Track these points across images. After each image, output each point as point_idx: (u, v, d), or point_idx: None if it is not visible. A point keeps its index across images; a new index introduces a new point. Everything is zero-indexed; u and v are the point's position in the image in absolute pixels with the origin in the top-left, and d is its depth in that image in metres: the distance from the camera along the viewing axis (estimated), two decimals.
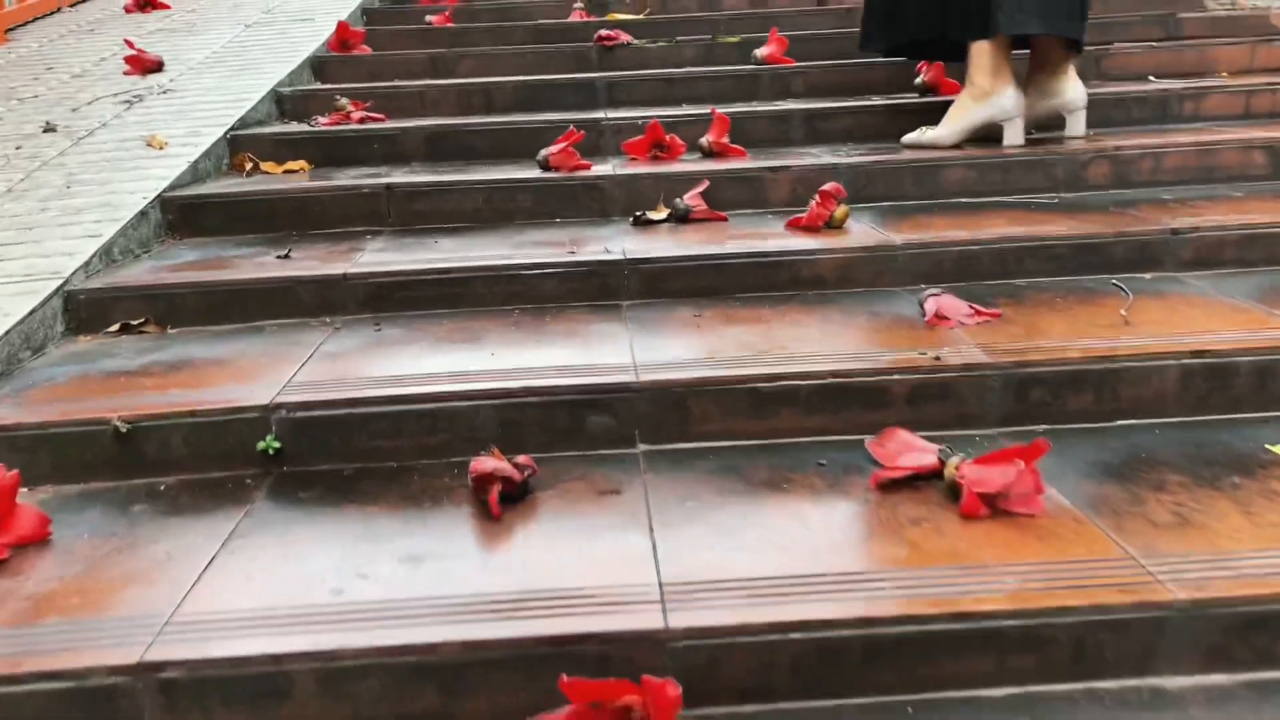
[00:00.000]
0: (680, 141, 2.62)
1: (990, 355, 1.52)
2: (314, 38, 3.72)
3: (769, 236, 2.07)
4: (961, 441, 1.44)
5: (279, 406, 1.45)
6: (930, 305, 1.70)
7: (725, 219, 2.26)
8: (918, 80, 3.00)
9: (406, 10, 4.35)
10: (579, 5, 4.20)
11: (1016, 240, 1.94)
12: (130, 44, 3.36)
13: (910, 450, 1.36)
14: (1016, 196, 2.34)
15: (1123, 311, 1.68)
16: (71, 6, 4.54)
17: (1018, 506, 1.22)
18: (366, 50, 3.73)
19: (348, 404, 1.45)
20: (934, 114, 2.67)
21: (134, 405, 1.48)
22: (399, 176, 2.45)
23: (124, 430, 1.42)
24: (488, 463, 1.30)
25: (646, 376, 1.49)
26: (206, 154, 2.56)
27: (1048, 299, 1.80)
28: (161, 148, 2.57)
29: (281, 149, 2.72)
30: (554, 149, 2.44)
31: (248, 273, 1.94)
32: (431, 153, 2.76)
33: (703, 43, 3.61)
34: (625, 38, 3.62)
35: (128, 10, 4.33)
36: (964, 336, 1.61)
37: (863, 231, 2.07)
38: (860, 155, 2.47)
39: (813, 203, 2.10)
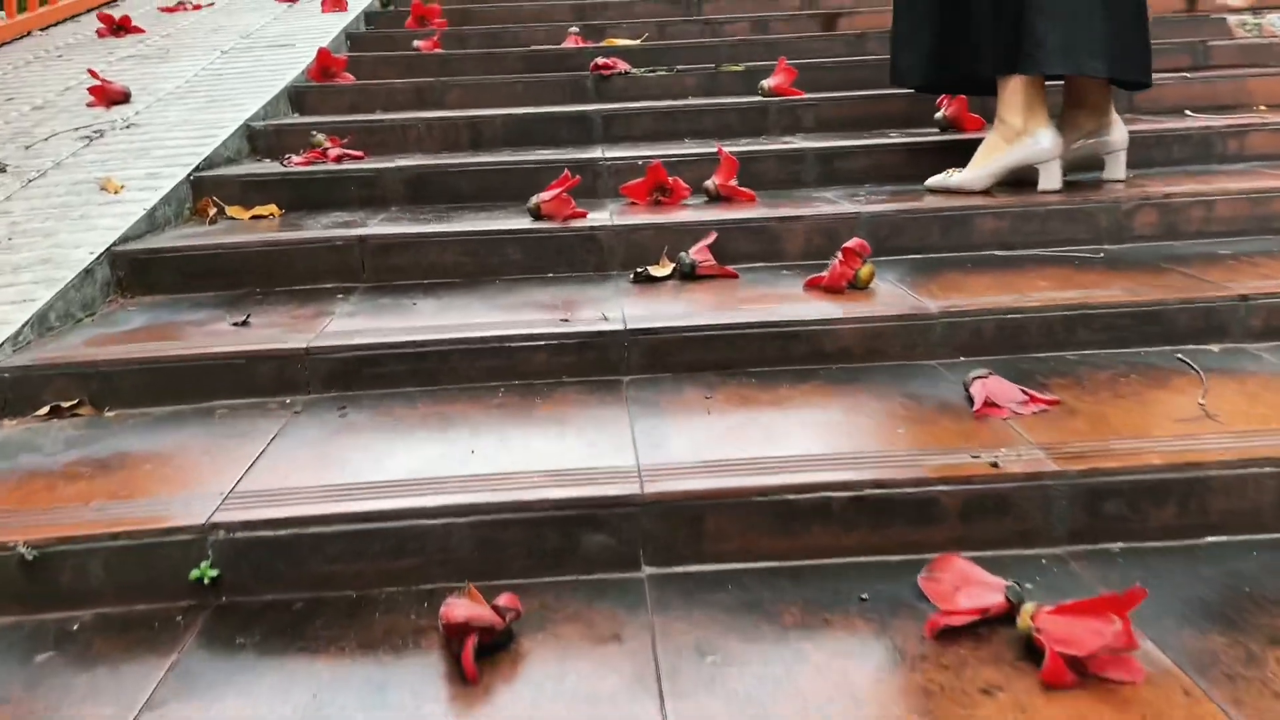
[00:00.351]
0: (684, 185, 2.40)
1: (1055, 459, 1.29)
2: (293, 65, 3.50)
3: (786, 299, 1.85)
4: (1025, 565, 1.22)
5: (217, 527, 1.22)
6: (978, 391, 1.48)
7: (735, 276, 2.04)
8: (938, 115, 2.78)
9: (394, 35, 4.14)
10: (574, 31, 3.99)
11: (1066, 308, 1.72)
12: (95, 74, 3.14)
13: (970, 585, 1.14)
14: (1056, 249, 2.12)
15: (1201, 401, 1.46)
16: (43, 30, 4.32)
17: (1112, 671, 1.00)
18: (349, 79, 3.52)
19: (298, 523, 1.23)
20: (957, 153, 2.46)
21: (48, 522, 1.25)
22: (375, 226, 2.23)
23: (30, 558, 1.19)
24: (461, 609, 1.07)
25: (653, 487, 1.26)
26: (166, 199, 2.34)
27: (1108, 379, 1.58)
28: (117, 192, 2.35)
29: (250, 192, 2.50)
30: (546, 196, 2.22)
31: (198, 345, 1.72)
32: (413, 195, 2.54)
33: (705, 71, 3.40)
34: (623, 66, 3.41)
35: (100, 35, 4.11)
36: (1020, 431, 1.39)
37: (891, 293, 1.85)
38: (882, 201, 2.25)
39: (834, 261, 1.89)
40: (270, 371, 1.66)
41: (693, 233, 2.12)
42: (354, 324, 1.80)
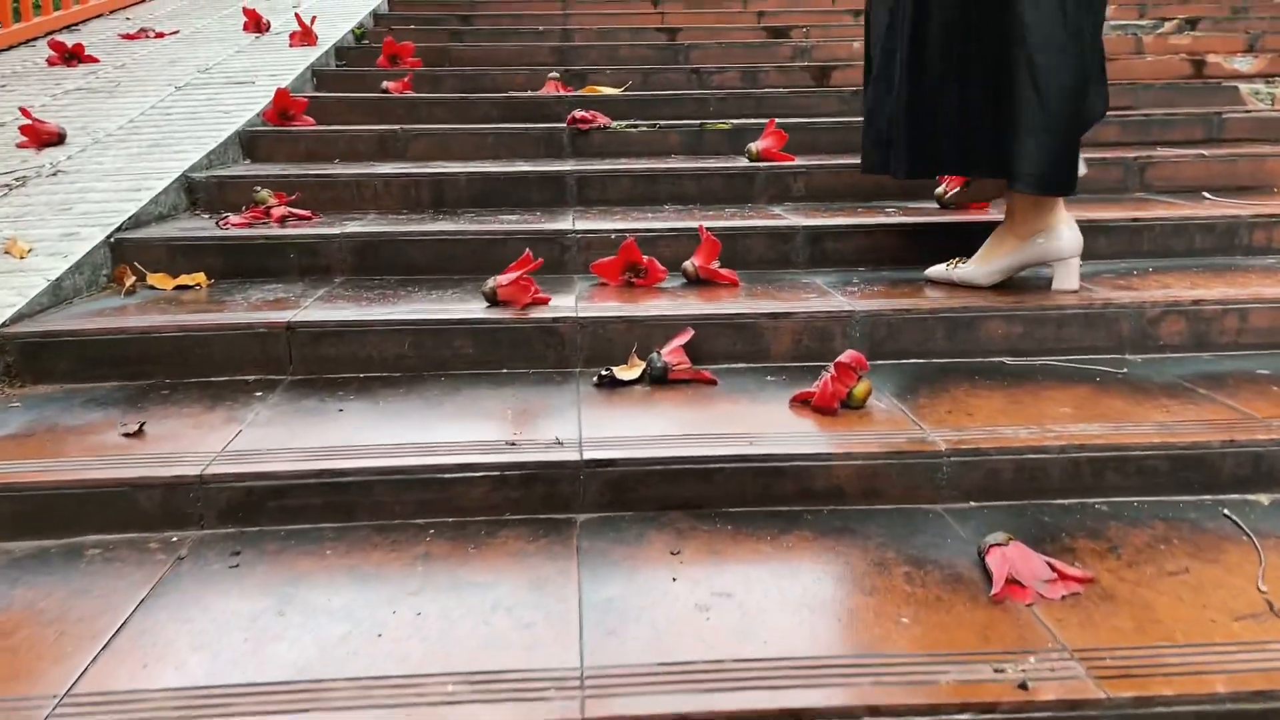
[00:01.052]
0: (660, 266, 2.17)
1: (1098, 678, 1.04)
2: (249, 106, 3.26)
3: (770, 419, 1.61)
4: None
5: None
6: (996, 563, 1.24)
7: (714, 382, 1.80)
8: (939, 191, 2.56)
9: (364, 75, 3.90)
10: (555, 76, 3.77)
11: (1095, 448, 1.48)
12: (26, 113, 2.88)
13: None
14: (1073, 359, 1.89)
15: (1262, 588, 1.22)
16: None
17: None
18: (309, 122, 3.27)
19: None
20: (961, 236, 2.24)
21: None
22: (310, 306, 1.97)
23: None
24: None
25: (598, 710, 1.01)
26: (78, 265, 2.08)
27: (1146, 544, 1.34)
28: (23, 256, 2.09)
29: (178, 256, 2.24)
30: (505, 280, 1.97)
31: (75, 463, 1.45)
32: (360, 265, 2.29)
33: (690, 129, 3.18)
34: (603, 120, 3.18)
35: (50, 64, 3.86)
36: (1049, 627, 1.14)
37: (889, 416, 1.61)
38: (878, 294, 2.02)
39: (826, 375, 1.64)
40: (157, 501, 1.40)
41: (666, 327, 1.88)
42: (267, 436, 1.54)
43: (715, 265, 2.18)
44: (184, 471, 1.41)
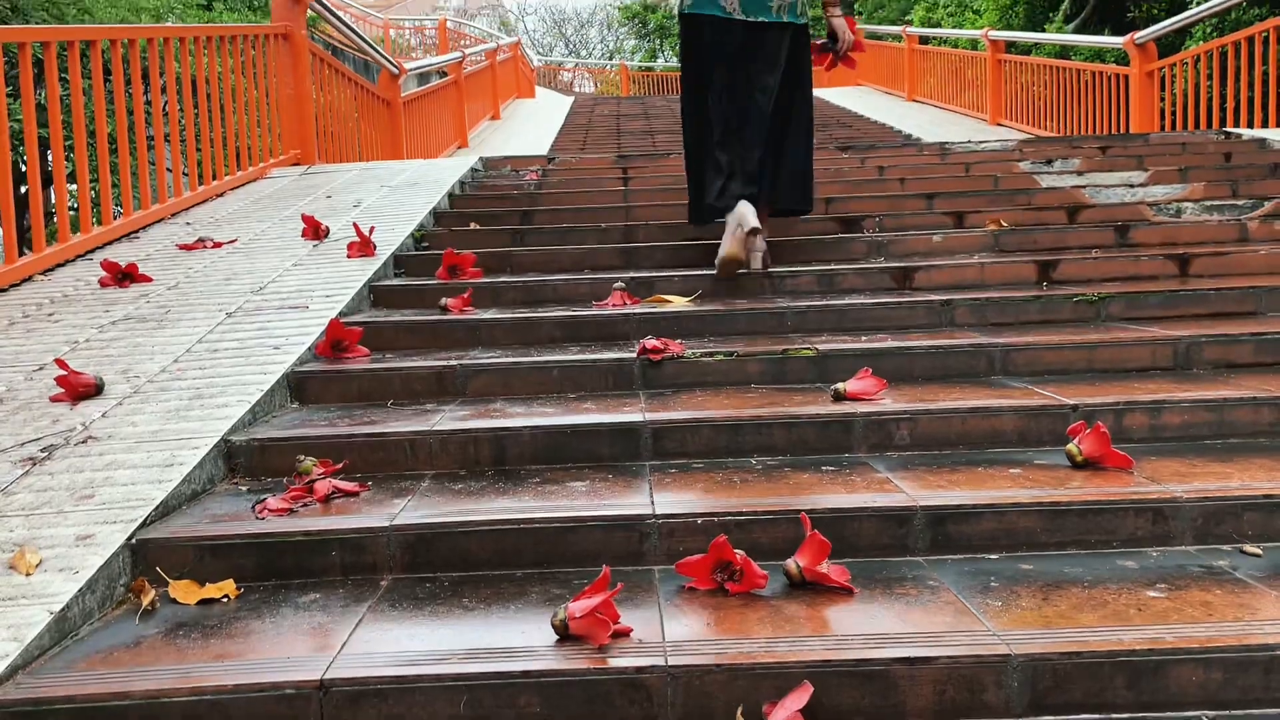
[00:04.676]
0: (757, 570, 1.84)
1: None
2: (301, 337, 3.07)
3: None
4: None
5: None
6: None
7: None
8: (1071, 446, 2.23)
9: (423, 289, 3.72)
10: (620, 286, 3.56)
11: None
12: (63, 364, 2.70)
13: None
14: None
15: None
16: (45, 273, 3.98)
17: None
18: (362, 353, 3.07)
19: None
20: (1112, 514, 1.89)
21: None
22: (350, 642, 1.67)
23: None
24: None
25: None
26: (91, 584, 1.81)
27: None
28: (29, 573, 1.83)
29: (207, 558, 1.98)
30: (579, 610, 1.65)
31: None
32: (412, 562, 2.00)
33: (770, 355, 2.90)
34: (675, 348, 2.93)
35: (103, 284, 3.75)
36: None
37: None
38: (1028, 614, 1.66)
39: None
40: None
41: (776, 676, 1.54)
42: None
43: (824, 567, 1.85)
44: None
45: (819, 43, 3.85)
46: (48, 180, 6.63)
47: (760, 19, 3.50)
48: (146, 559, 1.96)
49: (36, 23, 6.61)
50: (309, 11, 6.31)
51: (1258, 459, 2.25)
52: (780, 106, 3.58)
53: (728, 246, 3.46)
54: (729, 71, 3.52)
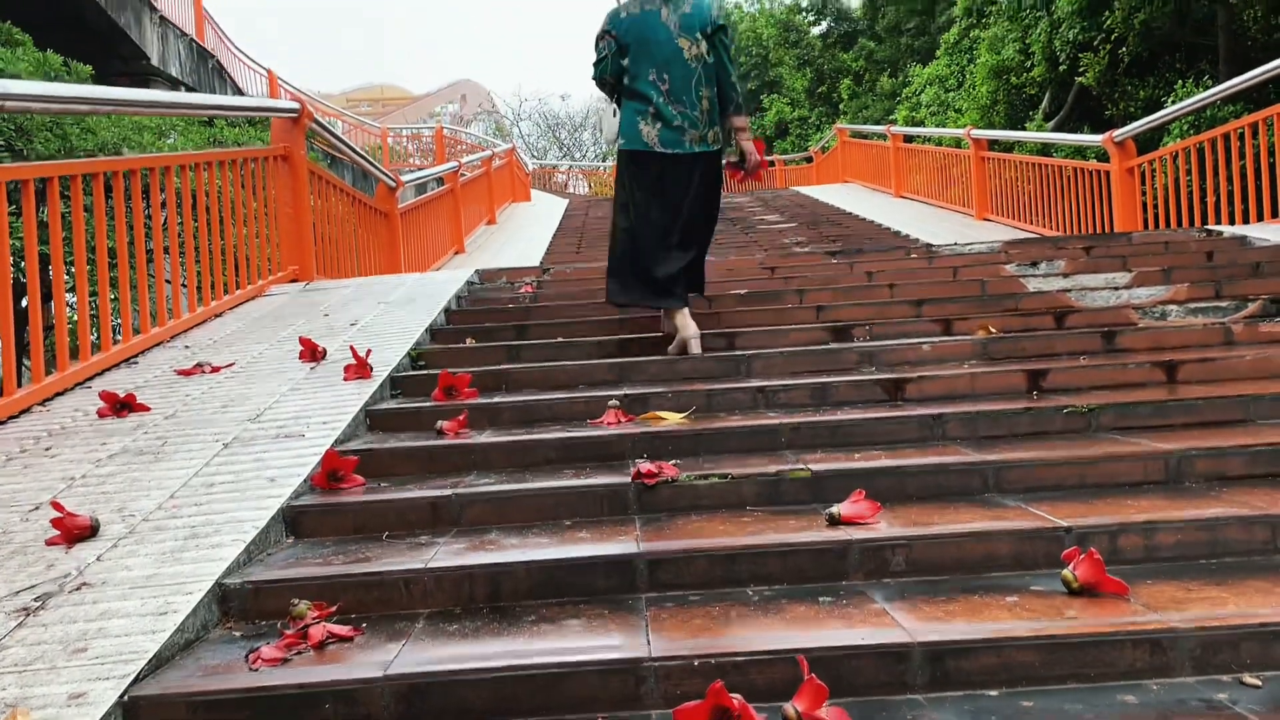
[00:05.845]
0: (756, 717, 1.82)
1: None
2: (297, 468, 3.08)
3: None
4: None
5: None
6: None
7: None
8: (1067, 572, 2.23)
9: (419, 411, 3.74)
10: (614, 404, 3.59)
11: None
12: (58, 506, 2.71)
13: None
14: None
15: None
16: (44, 404, 4.01)
17: None
18: (358, 482, 3.08)
19: None
20: (1109, 646, 1.88)
21: None
22: None
23: None
24: None
25: None
26: None
27: None
28: None
29: (200, 715, 1.96)
30: None
31: None
32: (408, 714, 1.98)
33: (764, 478, 2.92)
34: (670, 472, 2.94)
35: (101, 415, 3.78)
36: None
37: None
38: None
39: None
40: None
41: None
42: None
43: (822, 712, 1.83)
44: None
45: (731, 160, 4.48)
46: (47, 294, 6.72)
47: (675, 151, 4.26)
48: (139, 718, 1.93)
49: (40, 143, 6.80)
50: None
51: (1253, 580, 2.25)
52: (692, 215, 4.34)
53: (678, 341, 4.29)
54: (650, 195, 4.32)
